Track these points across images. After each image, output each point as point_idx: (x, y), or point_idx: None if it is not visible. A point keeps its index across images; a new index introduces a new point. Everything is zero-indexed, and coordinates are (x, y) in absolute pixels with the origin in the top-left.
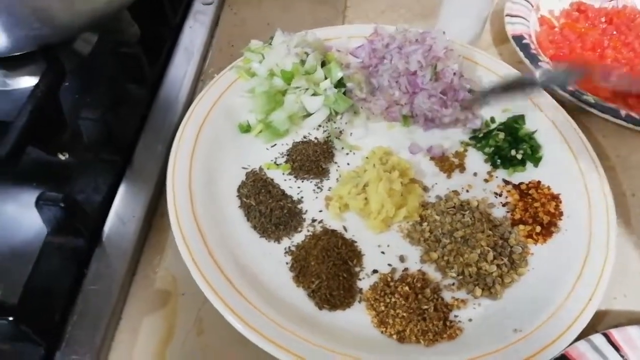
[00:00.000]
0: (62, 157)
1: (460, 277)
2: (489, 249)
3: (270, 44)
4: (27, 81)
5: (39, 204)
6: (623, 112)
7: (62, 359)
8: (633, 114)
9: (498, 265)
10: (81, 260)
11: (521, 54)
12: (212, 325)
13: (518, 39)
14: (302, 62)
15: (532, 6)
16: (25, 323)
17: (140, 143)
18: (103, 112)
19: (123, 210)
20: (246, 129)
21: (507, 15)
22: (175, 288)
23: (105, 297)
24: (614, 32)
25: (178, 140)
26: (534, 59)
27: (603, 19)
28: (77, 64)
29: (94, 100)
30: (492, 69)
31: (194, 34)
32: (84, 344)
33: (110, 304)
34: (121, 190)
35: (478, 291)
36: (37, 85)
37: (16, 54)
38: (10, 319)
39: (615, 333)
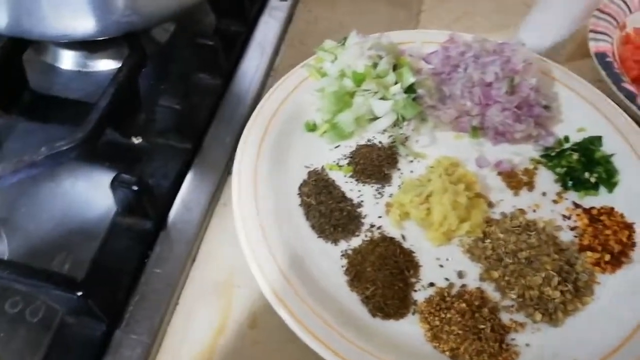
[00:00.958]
0: (135, 141)
1: (521, 299)
2: (554, 273)
3: (343, 44)
4: (106, 64)
5: (114, 184)
6: None
7: (122, 336)
8: None
9: (562, 292)
10: (147, 243)
11: (603, 73)
12: (265, 321)
13: (601, 56)
14: (375, 65)
15: (618, 23)
16: (92, 299)
17: (210, 133)
18: (179, 100)
19: (189, 197)
20: (312, 127)
21: (591, 31)
22: (232, 279)
23: (167, 281)
24: None
25: (247, 133)
26: (616, 78)
27: None
28: (154, 51)
29: (170, 88)
30: (570, 85)
31: (268, 28)
32: (143, 325)
33: (171, 288)
34: (189, 178)
35: (538, 316)
36: (119, 69)
37: (102, 38)
38: (79, 294)
39: None
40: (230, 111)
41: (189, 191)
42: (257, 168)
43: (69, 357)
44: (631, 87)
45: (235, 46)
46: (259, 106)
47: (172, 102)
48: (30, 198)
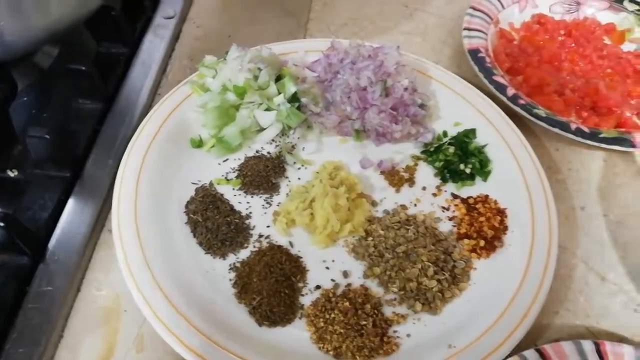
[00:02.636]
0: (11, 174)
1: (402, 292)
2: (430, 264)
3: (224, 59)
4: None
5: None
6: (573, 126)
7: None
8: (583, 128)
9: (439, 280)
10: (23, 278)
11: (475, 68)
12: (153, 343)
13: (474, 52)
14: (256, 77)
15: (492, 19)
16: None
17: (92, 158)
18: (49, 130)
19: (69, 226)
20: (198, 144)
21: (465, 28)
22: (118, 305)
23: (46, 316)
24: (572, 45)
25: (127, 154)
26: (488, 72)
27: (562, 32)
28: (35, 79)
29: (48, 117)
30: (447, 83)
31: (153, 47)
32: None
33: (51, 322)
34: (69, 206)
35: (418, 306)
36: None
37: None
38: None
39: (548, 348)
40: (113, 134)
41: (70, 220)
42: (139, 189)
43: None
44: (502, 80)
45: (117, 68)
46: (140, 127)
47: (42, 131)
48: None
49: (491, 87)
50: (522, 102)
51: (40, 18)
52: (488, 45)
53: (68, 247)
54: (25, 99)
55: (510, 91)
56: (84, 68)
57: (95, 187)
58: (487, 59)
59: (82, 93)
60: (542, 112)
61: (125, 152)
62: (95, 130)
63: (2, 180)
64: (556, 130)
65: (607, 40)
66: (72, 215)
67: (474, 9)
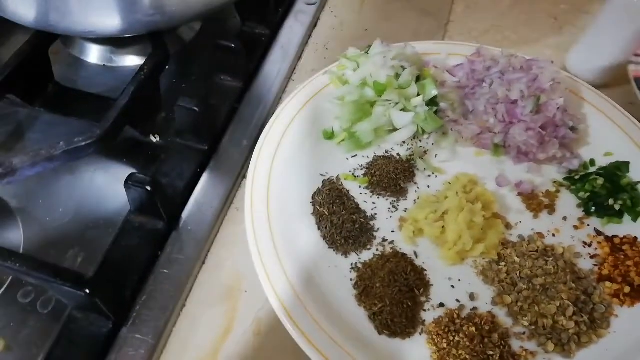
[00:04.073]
0: (153, 139)
1: (533, 327)
2: (570, 303)
3: (367, 52)
4: (132, 60)
5: (128, 184)
6: None
7: (127, 335)
8: None
9: (577, 322)
10: (158, 243)
11: (638, 94)
12: (270, 328)
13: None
14: (397, 75)
15: None
16: (99, 297)
17: (228, 135)
18: (198, 102)
19: (203, 198)
20: (330, 135)
21: (635, 55)
22: (239, 284)
23: (175, 282)
24: None
25: (264, 138)
26: None
27: None
28: (178, 50)
29: (190, 88)
30: (600, 107)
31: (292, 32)
32: (149, 325)
33: (179, 290)
34: (203, 179)
35: (550, 346)
36: (141, 68)
37: (126, 35)
38: (86, 291)
39: None
40: (250, 114)
41: (203, 193)
42: (272, 173)
43: (75, 350)
44: None
45: (258, 49)
46: (277, 110)
47: (191, 103)
48: (48, 190)
49: None
50: None
51: None
52: None
53: (200, 219)
54: (167, 68)
55: None
56: (233, 45)
57: (229, 165)
58: None
59: (225, 69)
60: None
61: (262, 135)
62: (234, 108)
63: (145, 144)
64: None
65: None
66: (206, 188)
67: None
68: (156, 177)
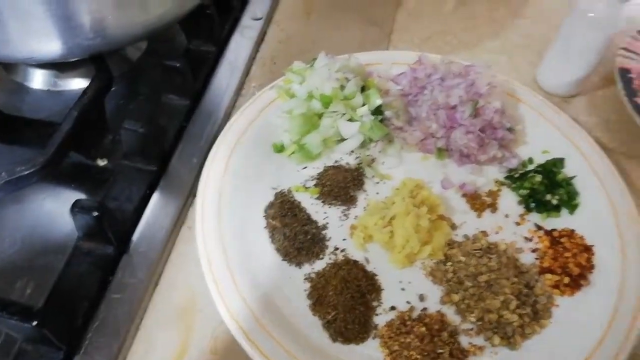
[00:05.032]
0: (100, 163)
1: (480, 323)
2: (513, 297)
3: (312, 66)
4: (77, 83)
5: (74, 210)
6: None
7: None
8: None
9: (520, 315)
10: (108, 268)
11: (620, 85)
12: (226, 345)
13: (623, 71)
14: (342, 87)
15: None
16: (48, 328)
17: (177, 154)
18: (143, 123)
19: (153, 219)
20: (280, 148)
21: (622, 48)
22: (194, 303)
23: (127, 307)
24: None
25: (213, 155)
26: (631, 92)
27: None
28: (124, 70)
29: (138, 109)
30: (536, 107)
31: (239, 48)
32: (102, 351)
33: (131, 314)
34: (153, 200)
35: (496, 339)
36: (84, 92)
37: (67, 60)
38: (34, 323)
39: None
40: (199, 132)
41: (154, 214)
42: (222, 189)
43: None
44: None
45: (205, 66)
46: (226, 127)
47: (136, 125)
48: None
49: (629, 106)
50: None
51: (142, 16)
52: None
53: (151, 241)
54: (113, 89)
55: None
56: (177, 65)
57: (180, 184)
58: (636, 81)
59: (172, 88)
60: None
61: (211, 152)
62: (182, 127)
63: (92, 168)
64: None
65: None
66: (156, 209)
67: None
68: (102, 201)
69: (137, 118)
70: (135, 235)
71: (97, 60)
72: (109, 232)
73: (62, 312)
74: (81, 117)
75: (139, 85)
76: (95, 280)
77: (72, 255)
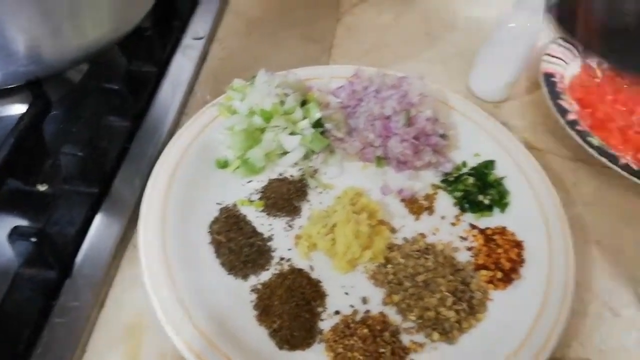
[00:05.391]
0: (40, 188)
1: (420, 321)
2: (449, 294)
3: (252, 83)
4: (16, 109)
5: (12, 237)
6: (622, 161)
7: None
8: (632, 164)
9: (457, 311)
10: (50, 293)
11: (545, 89)
12: None
13: (547, 75)
14: (282, 102)
15: (578, 53)
16: None
17: (119, 176)
18: (82, 147)
19: (97, 241)
20: (223, 164)
21: (546, 54)
22: (140, 322)
23: (72, 330)
24: None
25: (155, 173)
26: (555, 95)
27: None
28: (65, 93)
29: (78, 132)
30: (468, 114)
31: (181, 68)
32: None
33: (76, 337)
34: (96, 222)
35: (435, 336)
36: (21, 118)
37: (4, 87)
38: None
39: None
40: (141, 153)
41: (97, 236)
42: (166, 208)
43: None
44: (566, 105)
45: (147, 87)
46: (168, 146)
47: (75, 149)
48: None
49: (553, 108)
50: (579, 128)
51: (78, 40)
52: (565, 74)
53: (95, 263)
54: (54, 112)
55: (571, 116)
56: (116, 87)
57: (122, 204)
58: (559, 84)
59: (112, 110)
60: (595, 141)
61: (153, 171)
62: (124, 148)
63: (32, 194)
64: (604, 160)
65: None
66: (99, 231)
67: (565, 40)
68: (42, 227)
69: (78, 141)
70: (79, 258)
71: (34, 86)
72: (50, 257)
73: (3, 339)
74: (18, 143)
75: (80, 108)
76: (37, 306)
77: (12, 282)
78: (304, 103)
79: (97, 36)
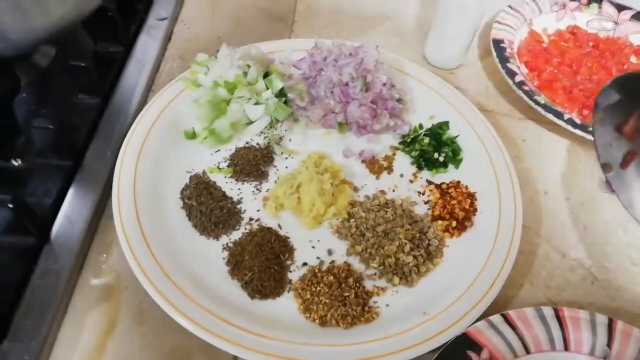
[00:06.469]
0: (15, 163)
1: (381, 267)
2: (407, 241)
3: (215, 57)
4: None
5: None
6: (566, 116)
7: (9, 346)
8: (575, 119)
9: (414, 256)
10: (30, 258)
11: (494, 53)
12: (152, 316)
13: (497, 42)
14: (245, 73)
15: (525, 20)
16: None
17: (91, 149)
18: (53, 120)
19: (71, 211)
20: (191, 135)
21: (496, 22)
22: (119, 283)
23: (52, 291)
24: (597, 55)
25: (126, 144)
26: (504, 60)
27: (591, 44)
28: (34, 77)
29: (49, 111)
30: (423, 79)
31: (146, 47)
32: (30, 334)
33: (57, 298)
34: (71, 193)
35: (396, 280)
36: None
37: None
38: None
39: (512, 314)
40: (111, 127)
41: (72, 206)
42: (137, 178)
43: None
44: (515, 68)
45: (114, 66)
46: (137, 119)
47: (46, 122)
48: None
49: (502, 71)
50: (526, 88)
51: (42, 18)
52: (514, 40)
53: (71, 230)
54: (24, 95)
55: (519, 78)
56: (83, 64)
57: (95, 176)
58: (508, 50)
59: (81, 89)
60: (542, 99)
61: (124, 144)
62: (95, 124)
63: (7, 169)
64: (550, 116)
65: (633, 59)
66: (74, 201)
67: (512, 8)
68: (17, 194)
69: (48, 118)
70: (56, 226)
71: (2, 67)
72: (28, 224)
73: None
74: None
75: (50, 90)
76: (19, 270)
77: None
78: (266, 75)
79: (60, 14)
